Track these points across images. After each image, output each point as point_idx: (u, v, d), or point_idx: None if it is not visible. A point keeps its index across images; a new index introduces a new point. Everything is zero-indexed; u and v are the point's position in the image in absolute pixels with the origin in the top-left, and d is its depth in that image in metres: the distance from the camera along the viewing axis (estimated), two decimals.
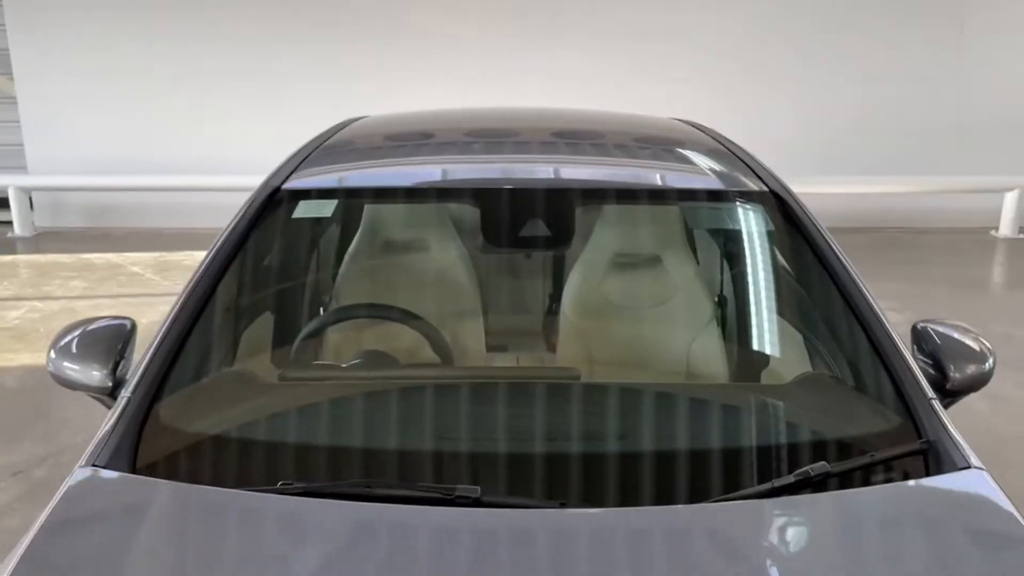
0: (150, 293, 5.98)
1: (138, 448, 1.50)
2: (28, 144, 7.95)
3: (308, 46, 7.71)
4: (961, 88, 7.78)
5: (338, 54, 7.71)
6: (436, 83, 7.51)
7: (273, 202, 1.98)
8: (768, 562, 1.29)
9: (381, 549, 1.28)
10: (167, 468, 1.48)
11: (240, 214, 1.96)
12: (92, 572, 1.25)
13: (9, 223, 7.78)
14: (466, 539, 1.32)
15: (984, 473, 1.48)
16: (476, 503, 1.34)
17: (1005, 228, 7.70)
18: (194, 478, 1.45)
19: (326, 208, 2.26)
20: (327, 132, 2.46)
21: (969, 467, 1.48)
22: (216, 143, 7.78)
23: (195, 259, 6.51)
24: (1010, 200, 7.59)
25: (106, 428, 1.54)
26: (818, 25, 7.69)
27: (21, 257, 7.08)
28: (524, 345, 2.49)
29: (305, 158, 2.15)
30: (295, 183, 2.02)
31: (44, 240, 7.61)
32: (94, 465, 1.46)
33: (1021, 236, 7.70)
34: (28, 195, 7.75)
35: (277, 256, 2.12)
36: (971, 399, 4.13)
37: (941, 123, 7.83)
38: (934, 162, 7.77)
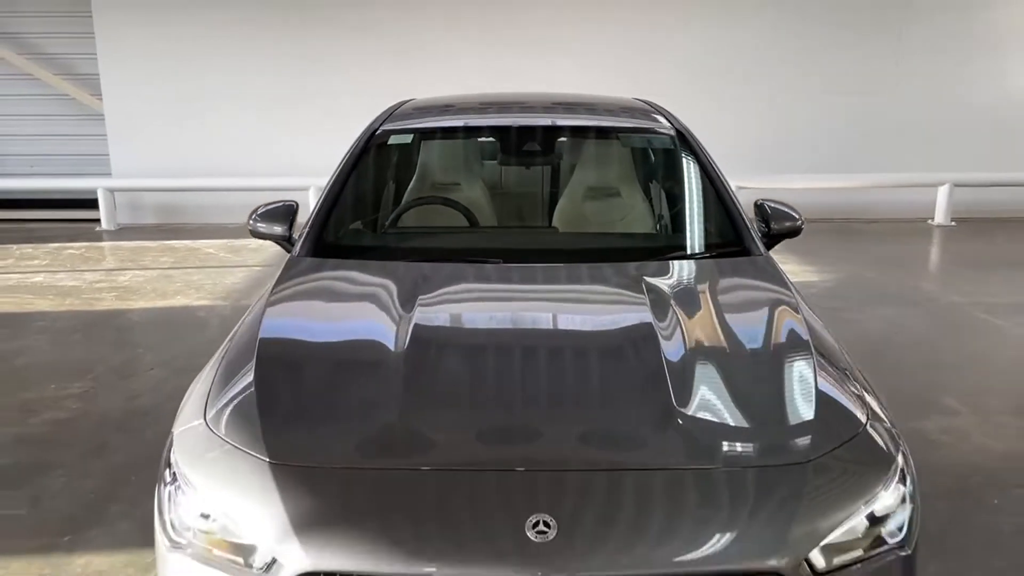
0: (225, 265, 7.37)
1: (314, 249, 2.89)
2: (113, 153, 9.44)
3: (347, 70, 9.17)
4: (898, 99, 9.19)
5: (371, 74, 9.16)
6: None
7: (374, 138, 3.38)
8: (656, 279, 2.63)
9: (457, 280, 2.67)
10: (329, 254, 2.87)
11: (354, 145, 3.35)
12: (307, 291, 2.64)
13: (96, 220, 9.23)
14: (494, 274, 2.73)
15: (771, 256, 2.87)
16: (500, 262, 2.74)
17: (939, 217, 9.03)
18: (343, 256, 2.86)
19: (406, 139, 3.65)
20: (392, 106, 3.84)
21: (762, 255, 2.86)
22: (271, 150, 9.23)
23: (258, 243, 7.85)
24: (942, 193, 8.93)
25: (297, 245, 2.92)
26: (775, 46, 9.13)
27: (113, 243, 8.51)
28: None
29: (387, 116, 3.55)
30: (385, 127, 3.43)
31: (127, 232, 9.05)
32: (298, 256, 2.85)
33: (953, 224, 9.02)
34: (113, 195, 9.20)
35: (377, 167, 3.51)
36: (872, 324, 5.42)
37: (883, 128, 9.23)
38: (877, 161, 9.15)
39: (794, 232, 3.20)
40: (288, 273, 2.73)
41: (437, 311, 2.46)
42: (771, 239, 3.16)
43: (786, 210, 3.23)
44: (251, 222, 3.19)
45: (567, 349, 2.38)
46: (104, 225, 9.13)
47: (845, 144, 9.23)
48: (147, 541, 2.92)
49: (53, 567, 2.83)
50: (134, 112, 9.33)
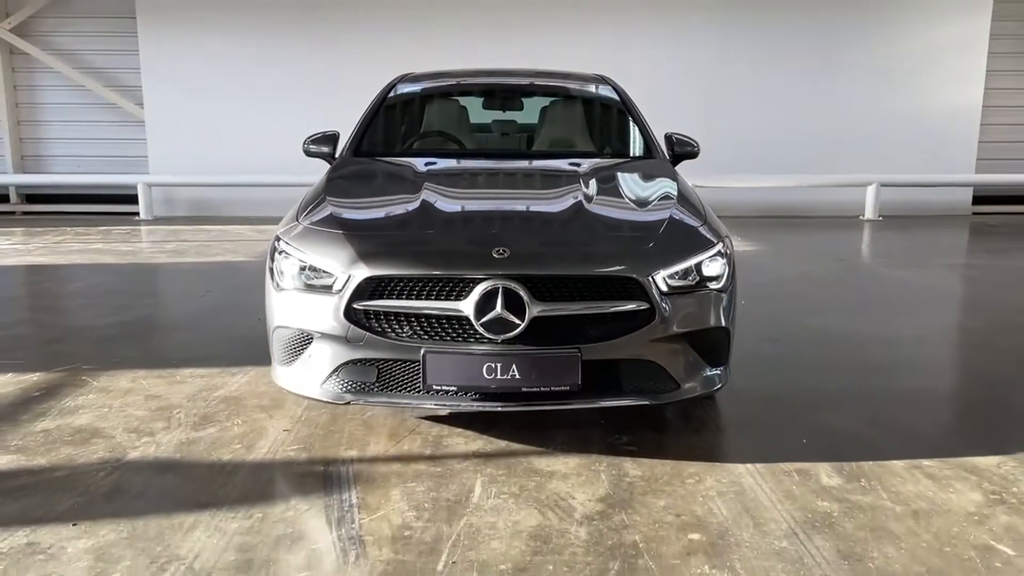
0: (254, 239, 8.65)
1: (355, 153, 4.22)
2: (151, 154, 10.78)
3: (358, 78, 10.53)
4: (831, 111, 10.65)
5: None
6: None
7: (390, 92, 4.72)
8: (590, 173, 3.92)
9: (456, 169, 4.01)
10: (364, 155, 4.19)
11: (375, 98, 4.67)
12: (353, 167, 3.97)
13: (134, 213, 10.52)
14: (481, 168, 4.04)
15: (667, 161, 4.19)
16: (490, 157, 4.10)
17: (868, 212, 10.41)
18: (376, 156, 4.18)
19: (414, 93, 4.97)
20: (400, 76, 5.15)
21: (661, 157, 4.20)
22: (292, 153, 10.54)
23: None
24: (870, 192, 10.33)
25: (341, 151, 4.24)
26: (726, 66, 10.60)
27: (153, 227, 9.80)
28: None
29: (399, 80, 4.89)
30: (399, 87, 4.77)
31: (163, 221, 10.35)
32: (345, 153, 4.18)
33: (880, 219, 10.40)
34: (150, 190, 10.51)
35: (389, 113, 4.81)
36: (789, 270, 6.82)
37: (818, 136, 10.66)
38: (814, 164, 10.57)
39: (692, 155, 4.51)
40: (340, 161, 4.10)
41: (443, 178, 3.79)
42: (676, 158, 4.49)
43: (686, 139, 4.55)
44: (305, 144, 4.47)
45: (526, 199, 3.69)
46: (143, 215, 10.43)
47: (786, 150, 10.65)
48: (231, 362, 4.18)
49: (169, 374, 4.06)
50: (171, 118, 10.70)
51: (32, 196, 11.36)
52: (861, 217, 10.53)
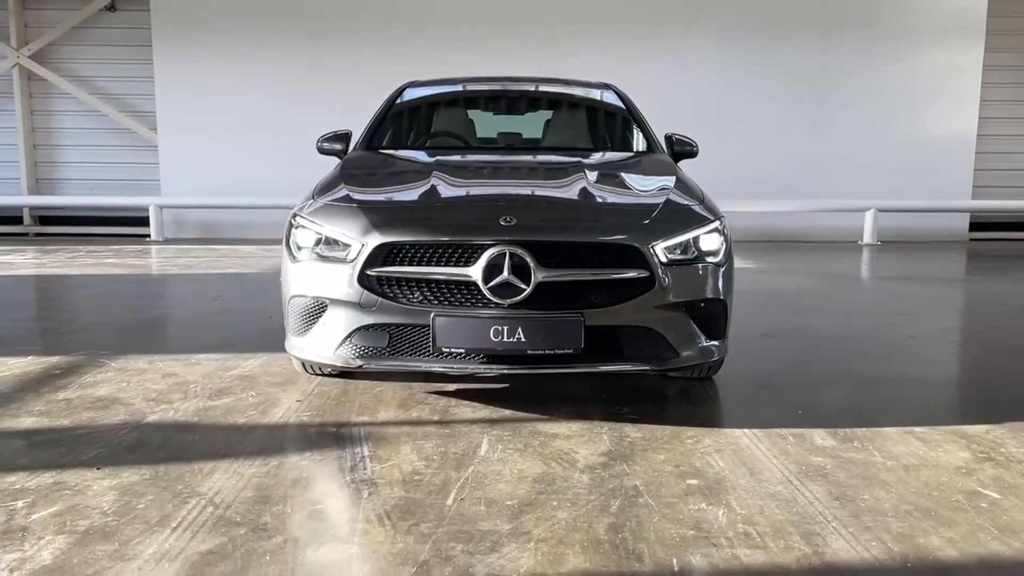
0: (263, 256, 8.82)
1: (367, 148, 4.40)
2: (163, 178, 11.01)
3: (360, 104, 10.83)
4: (831, 139, 10.88)
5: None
6: None
7: (398, 98, 4.91)
8: (594, 165, 4.11)
9: (463, 161, 4.18)
10: (375, 145, 4.38)
11: (384, 103, 4.86)
12: (361, 165, 4.14)
13: (144, 236, 10.72)
14: (491, 160, 4.23)
15: (664, 154, 4.36)
16: (497, 152, 4.28)
17: (867, 237, 10.57)
18: (386, 148, 4.37)
19: (423, 97, 5.16)
20: (407, 83, 5.35)
21: (662, 153, 4.38)
22: (298, 174, 10.77)
23: None
24: (868, 217, 10.50)
25: (352, 148, 4.42)
26: (730, 96, 10.86)
27: (164, 246, 9.98)
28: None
29: (406, 87, 5.09)
30: (406, 93, 4.97)
31: (173, 242, 10.53)
32: (356, 149, 4.35)
33: (878, 244, 10.55)
34: (161, 212, 10.72)
35: (397, 117, 4.98)
36: (787, 279, 6.98)
37: (818, 163, 10.88)
38: (814, 191, 10.76)
39: (691, 154, 4.66)
40: (352, 154, 4.27)
41: (451, 168, 3.96)
42: (676, 156, 4.64)
43: (686, 139, 4.72)
44: (319, 143, 4.64)
45: (533, 186, 3.84)
46: (154, 236, 10.62)
47: (784, 176, 10.87)
48: (244, 350, 4.29)
49: (184, 358, 4.18)
50: (184, 142, 10.95)
51: (45, 218, 11.57)
52: (859, 242, 10.70)
